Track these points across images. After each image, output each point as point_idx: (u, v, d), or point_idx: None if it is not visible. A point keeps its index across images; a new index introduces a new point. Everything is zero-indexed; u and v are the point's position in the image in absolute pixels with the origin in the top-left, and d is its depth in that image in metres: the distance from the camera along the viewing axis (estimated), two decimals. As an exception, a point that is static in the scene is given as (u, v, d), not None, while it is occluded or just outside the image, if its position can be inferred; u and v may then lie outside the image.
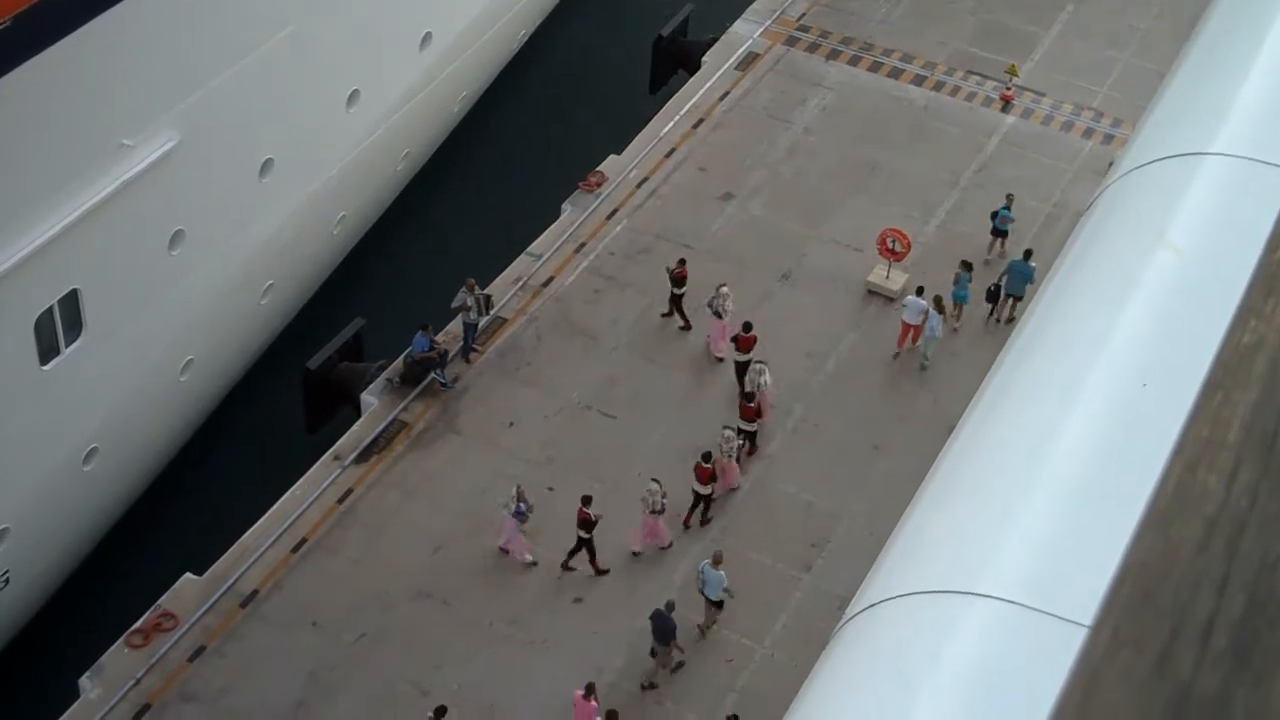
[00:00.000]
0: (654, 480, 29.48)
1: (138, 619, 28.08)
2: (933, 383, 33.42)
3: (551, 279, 35.88)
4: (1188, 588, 3.30)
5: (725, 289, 33.39)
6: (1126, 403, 11.67)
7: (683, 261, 34.16)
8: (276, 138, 32.73)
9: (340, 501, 30.60)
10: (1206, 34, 16.59)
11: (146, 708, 26.88)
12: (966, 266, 34.79)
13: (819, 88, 42.37)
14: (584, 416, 32.63)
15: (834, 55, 43.51)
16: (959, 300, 34.59)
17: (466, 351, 33.57)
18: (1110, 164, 17.67)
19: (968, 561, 11.16)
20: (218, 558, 29.35)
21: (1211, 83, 15.49)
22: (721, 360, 33.74)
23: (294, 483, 30.84)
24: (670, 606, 27.32)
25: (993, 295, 34.91)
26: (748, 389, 31.68)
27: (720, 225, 37.66)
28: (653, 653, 27.69)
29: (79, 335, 28.58)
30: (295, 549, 29.69)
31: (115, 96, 27.69)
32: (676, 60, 44.75)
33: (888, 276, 35.90)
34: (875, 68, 43.18)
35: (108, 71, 27.10)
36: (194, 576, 28.95)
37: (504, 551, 29.54)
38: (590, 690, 25.84)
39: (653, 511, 29.29)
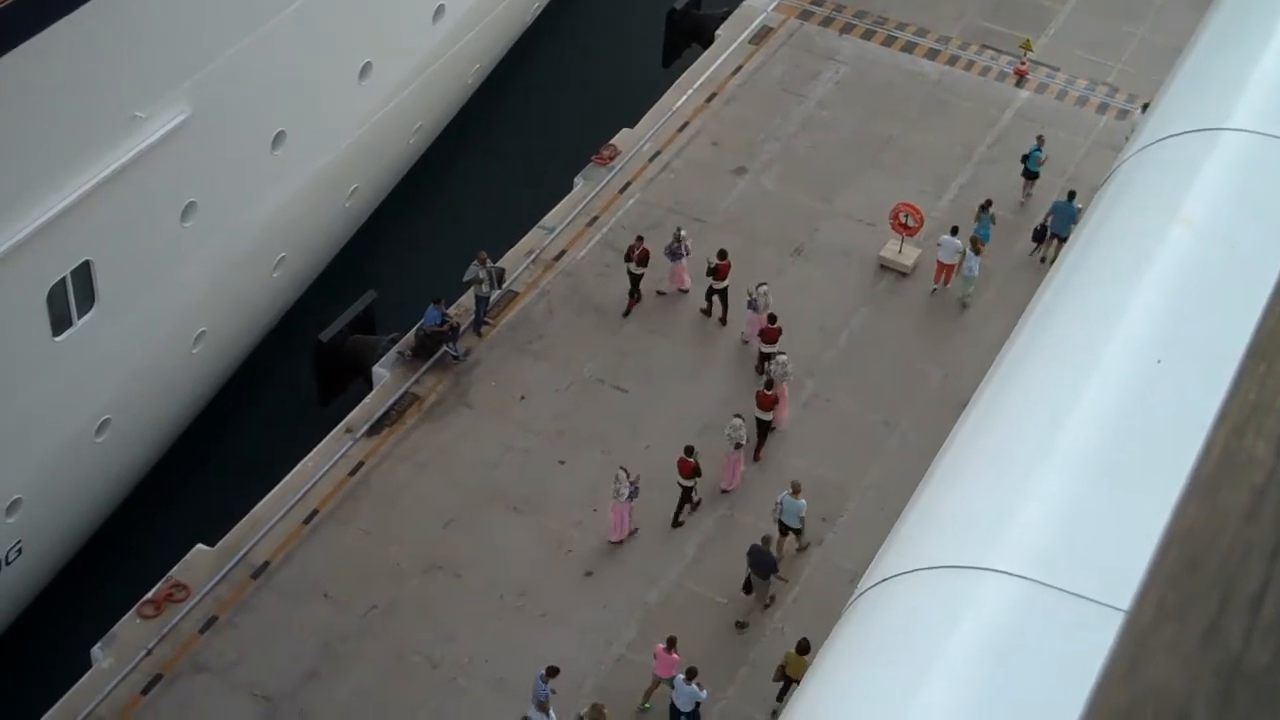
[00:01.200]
0: (737, 415, 30.02)
1: (150, 589, 28.16)
2: (944, 358, 33.38)
3: (563, 253, 35.85)
4: (1236, 557, 3.22)
5: (684, 232, 33.86)
6: (1141, 379, 11.65)
7: (641, 239, 33.89)
8: (288, 110, 32.70)
9: (352, 474, 30.65)
10: (1223, 9, 16.52)
11: (158, 678, 26.98)
12: (986, 206, 35.52)
13: (832, 62, 42.24)
14: (595, 390, 32.63)
15: (848, 29, 43.38)
16: (980, 237, 35.08)
17: (478, 325, 33.57)
18: (1128, 138, 17.57)
19: (981, 537, 11.15)
20: (229, 529, 29.41)
21: (1228, 58, 15.42)
22: (686, 291, 34.22)
23: (305, 455, 30.89)
24: (767, 541, 28.03)
25: (1039, 235, 35.82)
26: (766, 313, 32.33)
27: (733, 200, 37.60)
28: (746, 589, 28.26)
29: (92, 307, 28.62)
30: (307, 521, 29.75)
31: (127, 69, 27.67)
32: (690, 34, 44.64)
33: (900, 251, 35.83)
34: (889, 42, 43.06)
35: (120, 44, 27.06)
36: (206, 548, 29.02)
37: (617, 543, 29.64)
38: (672, 643, 26.21)
39: (736, 446, 29.98)
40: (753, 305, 33.06)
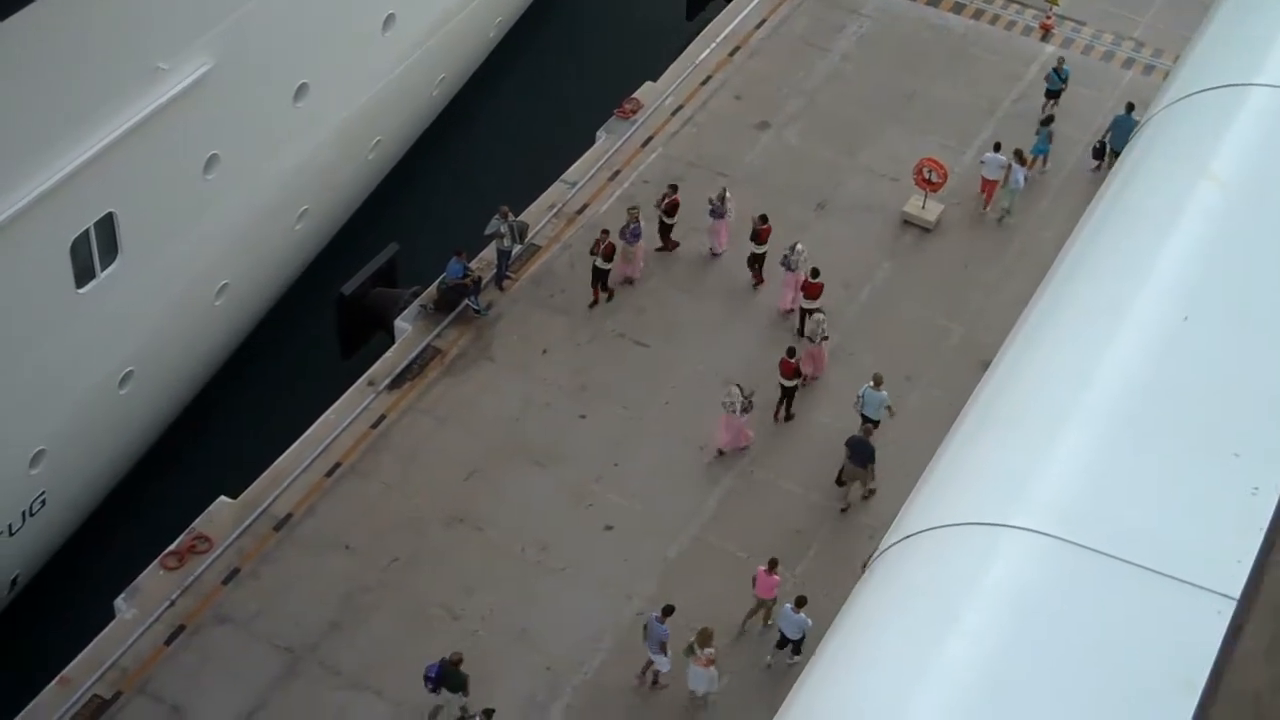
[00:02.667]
0: (819, 311, 31.55)
1: (173, 541, 28.27)
2: (967, 314, 33.28)
3: (586, 206, 35.77)
4: None
5: (635, 209, 33.69)
6: (1168, 336, 11.61)
7: (606, 232, 33.26)
8: (311, 62, 32.61)
9: (374, 427, 30.71)
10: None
11: (181, 629, 27.13)
12: (1046, 121, 37.11)
13: (857, 15, 41.98)
14: (617, 344, 32.61)
15: (872, -18, 43.10)
16: (1039, 153, 36.65)
17: (500, 278, 33.54)
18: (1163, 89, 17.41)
19: (1004, 494, 11.14)
20: (252, 482, 29.50)
21: (1257, 14, 15.28)
22: (625, 283, 33.86)
23: (328, 408, 30.94)
24: (867, 431, 29.37)
25: (1099, 152, 36.88)
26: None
27: (756, 154, 37.45)
28: (839, 481, 29.60)
29: (115, 259, 28.64)
30: (329, 474, 29.83)
31: (151, 20, 27.59)
32: (714, -14, 44.44)
33: (923, 207, 35.68)
34: (914, -5, 42.80)
35: (143, -6, 27.05)
36: (228, 500, 29.13)
37: (722, 453, 30.40)
38: (773, 565, 26.81)
39: (823, 339, 31.42)
40: (717, 211, 33.75)
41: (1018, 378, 12.64)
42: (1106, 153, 36.14)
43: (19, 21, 24.17)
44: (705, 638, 25.37)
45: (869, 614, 11.37)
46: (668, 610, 25.90)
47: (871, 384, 29.81)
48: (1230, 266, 12.03)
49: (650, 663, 26.36)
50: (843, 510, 29.44)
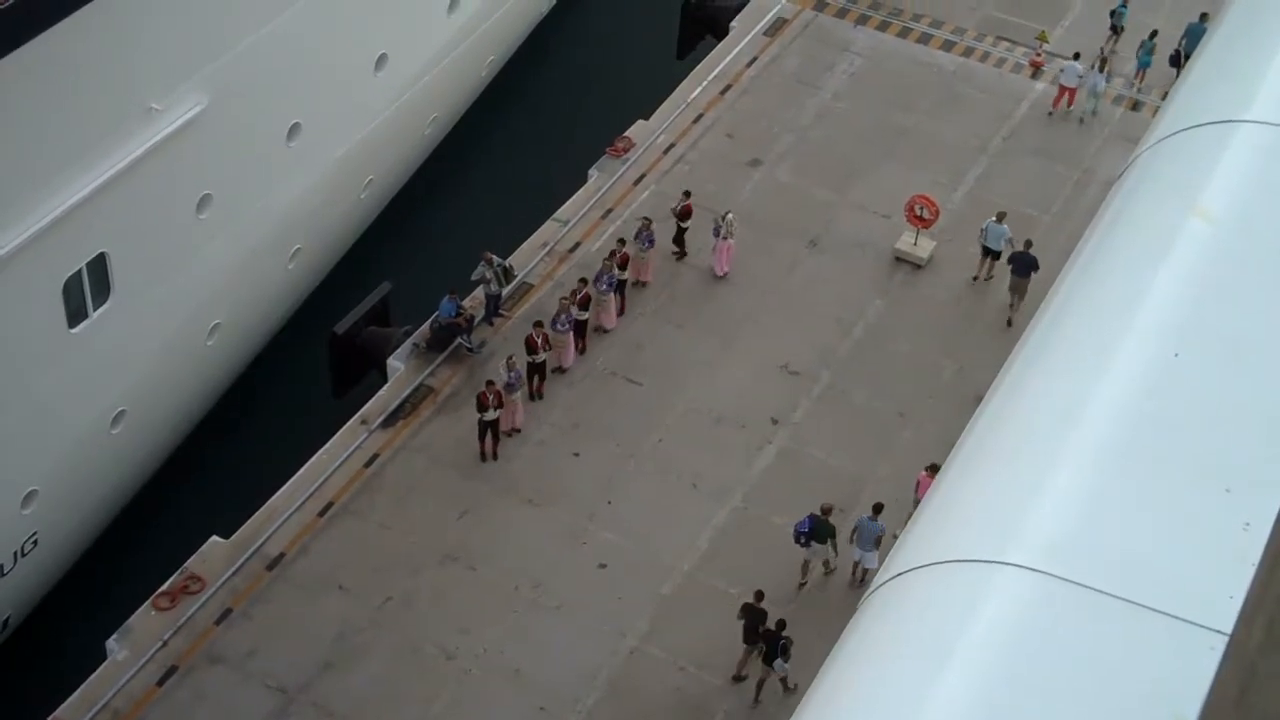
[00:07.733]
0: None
1: (165, 581, 28.19)
2: (959, 350, 33.32)
3: (578, 245, 35.82)
4: None
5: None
6: (1158, 372, 11.63)
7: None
8: (304, 101, 32.70)
9: (367, 466, 30.67)
10: (1240, 2, 16.48)
11: (174, 669, 27.03)
12: (1152, 35, 40.80)
13: (847, 53, 42.16)
14: (610, 382, 32.62)
15: (863, 20, 43.29)
16: (1143, 67, 40.86)
17: (489, 321, 33.49)
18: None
19: (997, 531, 11.14)
20: (245, 521, 29.44)
21: (1246, 50, 15.37)
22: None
23: (321, 447, 30.91)
24: (1028, 245, 33.34)
25: (1175, 59, 39.91)
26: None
27: (747, 192, 37.55)
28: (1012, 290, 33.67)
29: (107, 299, 28.65)
30: (322, 513, 29.78)
31: (144, 60, 27.68)
32: (704, 25, 44.61)
33: (915, 244, 35.76)
34: (904, 33, 42.96)
35: (136, 35, 27.09)
36: (221, 540, 29.05)
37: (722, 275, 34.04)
38: (933, 470, 27.41)
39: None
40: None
41: (1010, 414, 12.64)
42: (1181, 59, 38.91)
43: (12, 62, 24.23)
44: None
45: (862, 651, 11.34)
46: (878, 508, 27.81)
47: (994, 218, 34.05)
48: (1220, 302, 12.06)
49: (858, 563, 28.28)
50: (1009, 323, 33.09)
